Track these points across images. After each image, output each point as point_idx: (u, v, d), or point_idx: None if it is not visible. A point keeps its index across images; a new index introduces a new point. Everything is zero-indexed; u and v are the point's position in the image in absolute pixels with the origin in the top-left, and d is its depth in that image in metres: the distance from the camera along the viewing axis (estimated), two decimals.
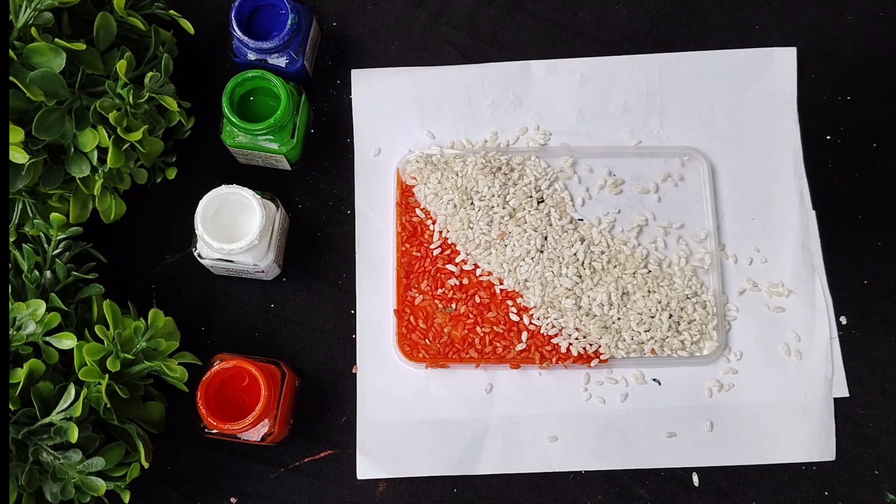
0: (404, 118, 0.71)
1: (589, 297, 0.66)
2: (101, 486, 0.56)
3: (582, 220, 0.68)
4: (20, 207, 0.60)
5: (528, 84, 0.71)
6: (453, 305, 0.66)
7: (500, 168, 0.68)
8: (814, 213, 0.69)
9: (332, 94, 0.72)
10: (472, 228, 0.67)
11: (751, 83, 0.72)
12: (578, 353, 0.65)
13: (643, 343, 0.66)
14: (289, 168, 0.69)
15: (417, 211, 0.68)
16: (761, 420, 0.65)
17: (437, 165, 0.68)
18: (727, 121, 0.71)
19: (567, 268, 0.66)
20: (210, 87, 0.70)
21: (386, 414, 0.65)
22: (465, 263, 0.67)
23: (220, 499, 0.65)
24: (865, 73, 0.72)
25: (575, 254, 0.67)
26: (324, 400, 0.66)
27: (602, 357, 0.65)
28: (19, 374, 0.54)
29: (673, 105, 0.71)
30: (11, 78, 0.53)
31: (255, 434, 0.61)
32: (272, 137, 0.65)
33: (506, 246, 0.67)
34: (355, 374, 0.66)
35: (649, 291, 0.66)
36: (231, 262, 0.63)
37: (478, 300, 0.66)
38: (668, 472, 0.65)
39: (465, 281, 0.66)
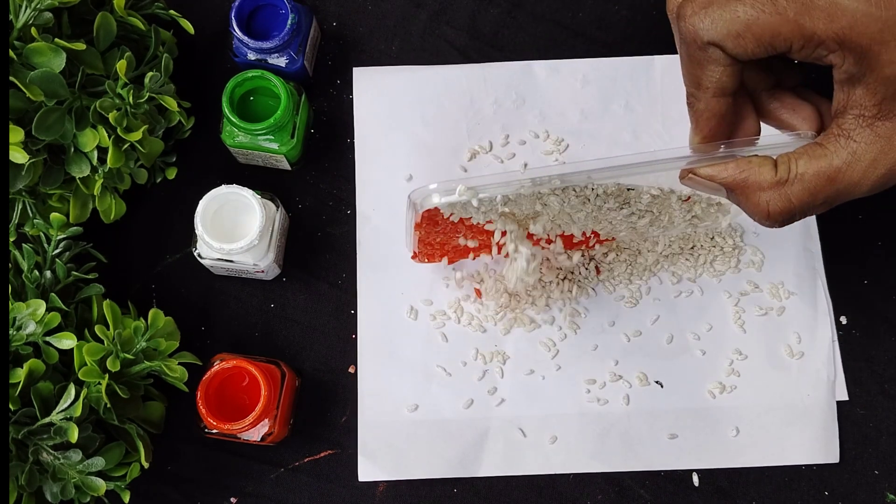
0: (406, 116, 0.70)
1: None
2: (101, 486, 0.56)
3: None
4: (20, 207, 0.60)
5: (531, 83, 0.71)
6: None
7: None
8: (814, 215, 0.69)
9: (332, 94, 0.71)
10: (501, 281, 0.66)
11: None
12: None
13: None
14: (289, 168, 0.69)
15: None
16: (763, 422, 0.65)
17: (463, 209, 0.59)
18: None
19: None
20: (210, 87, 0.69)
21: (386, 415, 0.65)
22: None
23: (220, 499, 0.65)
24: None
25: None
26: (324, 400, 0.66)
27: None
28: (19, 374, 0.54)
29: (675, 106, 0.70)
30: (11, 78, 0.53)
31: (255, 434, 0.61)
32: (272, 137, 0.65)
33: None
34: (353, 373, 0.66)
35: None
36: (231, 262, 0.63)
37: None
38: (669, 471, 0.65)
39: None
